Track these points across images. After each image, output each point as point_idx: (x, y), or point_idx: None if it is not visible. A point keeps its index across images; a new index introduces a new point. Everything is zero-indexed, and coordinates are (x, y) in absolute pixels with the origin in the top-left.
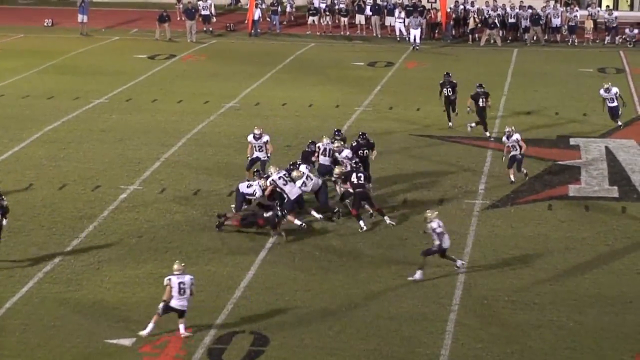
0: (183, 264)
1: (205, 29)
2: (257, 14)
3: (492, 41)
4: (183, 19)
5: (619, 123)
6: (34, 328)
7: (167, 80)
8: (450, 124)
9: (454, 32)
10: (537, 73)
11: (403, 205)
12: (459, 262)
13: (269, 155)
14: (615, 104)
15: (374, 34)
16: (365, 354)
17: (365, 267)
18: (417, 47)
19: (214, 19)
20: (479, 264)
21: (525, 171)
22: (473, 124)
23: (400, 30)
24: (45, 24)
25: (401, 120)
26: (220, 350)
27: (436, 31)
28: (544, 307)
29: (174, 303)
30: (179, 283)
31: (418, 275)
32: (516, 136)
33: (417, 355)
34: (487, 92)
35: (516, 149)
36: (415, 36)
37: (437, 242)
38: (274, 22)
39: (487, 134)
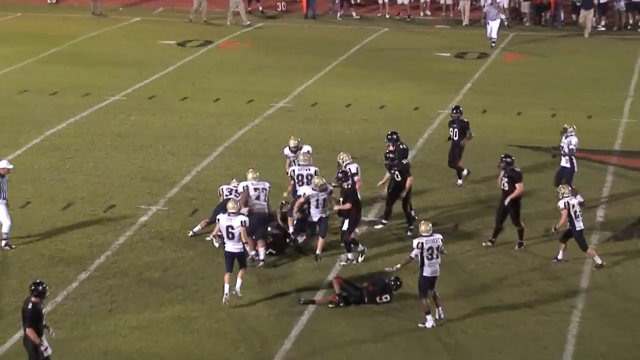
0: (238, 202)
1: (250, 8)
2: None
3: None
4: None
5: (579, 199)
6: None
7: (200, 73)
8: (459, 181)
9: (565, 16)
10: None
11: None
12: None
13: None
14: (566, 164)
15: (463, 21)
16: None
17: (447, 312)
18: (493, 44)
19: None
20: (596, 311)
21: (600, 261)
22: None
23: None
24: (48, 1)
25: (497, 127)
26: None
27: (544, 14)
28: None
29: (227, 247)
30: (227, 227)
31: (428, 322)
32: (578, 198)
33: None
34: None
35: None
36: (491, 29)
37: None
38: (336, 1)
39: None
